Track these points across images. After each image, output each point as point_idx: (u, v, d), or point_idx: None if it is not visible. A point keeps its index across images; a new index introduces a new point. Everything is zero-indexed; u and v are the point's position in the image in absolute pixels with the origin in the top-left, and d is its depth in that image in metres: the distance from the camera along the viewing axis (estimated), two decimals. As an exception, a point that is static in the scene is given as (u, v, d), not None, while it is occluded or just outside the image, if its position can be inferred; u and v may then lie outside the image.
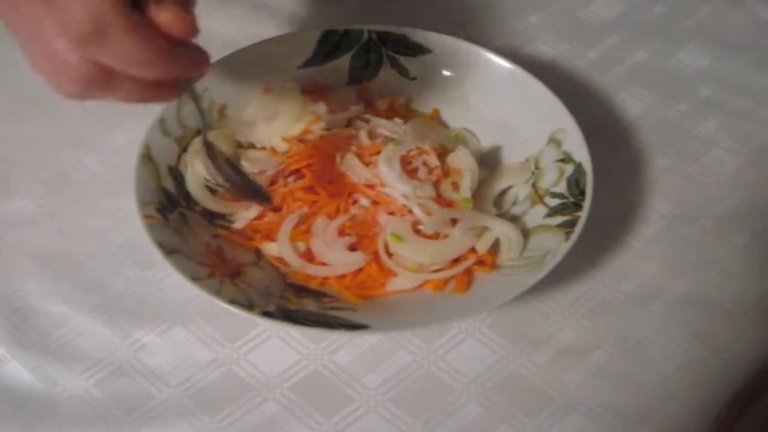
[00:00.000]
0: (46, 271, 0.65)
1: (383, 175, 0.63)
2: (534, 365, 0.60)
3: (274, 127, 0.68)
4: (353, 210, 0.64)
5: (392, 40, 0.71)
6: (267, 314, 0.56)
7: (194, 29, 0.48)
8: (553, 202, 0.63)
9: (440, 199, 0.64)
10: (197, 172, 0.65)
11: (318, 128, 0.67)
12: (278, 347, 0.61)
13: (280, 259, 0.63)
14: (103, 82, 0.48)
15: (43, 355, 0.61)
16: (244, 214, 0.65)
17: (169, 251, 0.58)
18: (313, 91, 0.71)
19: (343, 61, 0.72)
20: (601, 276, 0.64)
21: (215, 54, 0.76)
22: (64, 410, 0.59)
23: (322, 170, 0.65)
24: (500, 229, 0.62)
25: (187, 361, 0.61)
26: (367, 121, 0.69)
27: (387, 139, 0.66)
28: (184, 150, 0.66)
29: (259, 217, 0.65)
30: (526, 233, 0.63)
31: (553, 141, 0.66)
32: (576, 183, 0.63)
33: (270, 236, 0.63)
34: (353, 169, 0.64)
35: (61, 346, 0.61)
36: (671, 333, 0.62)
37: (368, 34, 0.71)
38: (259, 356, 0.61)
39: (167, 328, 0.62)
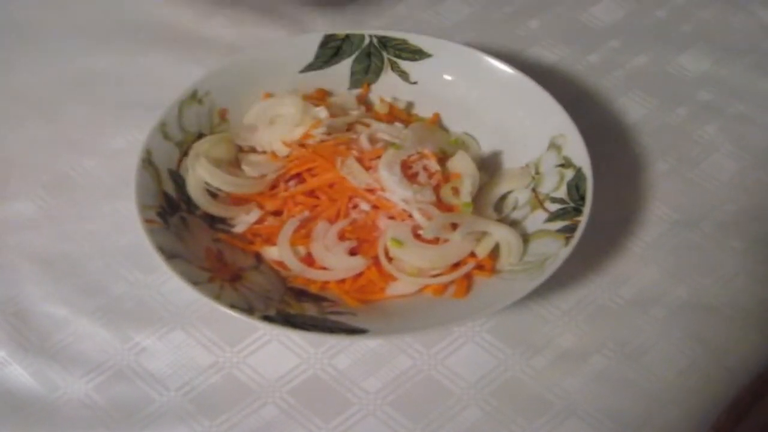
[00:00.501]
0: (46, 274, 0.65)
1: (383, 179, 0.63)
2: (534, 370, 0.60)
3: (275, 131, 0.68)
4: (353, 214, 0.64)
5: (393, 45, 0.71)
6: (267, 318, 0.56)
7: None
8: (553, 206, 0.63)
9: (440, 204, 0.64)
10: (198, 176, 0.65)
11: (319, 132, 0.67)
12: (278, 351, 0.61)
13: (281, 264, 0.63)
14: None
15: (44, 359, 0.61)
16: (245, 219, 0.65)
17: (169, 255, 0.58)
18: (314, 96, 0.71)
19: (344, 66, 0.72)
20: (600, 280, 0.65)
21: (217, 58, 0.77)
22: (64, 414, 0.59)
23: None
24: (500, 234, 0.62)
25: (187, 364, 0.61)
26: (368, 126, 0.69)
27: (387, 144, 0.66)
28: (185, 154, 0.66)
29: (259, 221, 0.65)
30: (526, 238, 0.63)
31: (554, 146, 0.66)
32: (576, 188, 0.63)
33: (270, 240, 0.64)
34: (353, 173, 0.64)
35: (62, 349, 0.61)
36: (671, 338, 0.62)
37: (369, 38, 0.72)
38: (259, 360, 0.61)
39: (167, 332, 0.62)
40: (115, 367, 0.61)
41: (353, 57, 0.72)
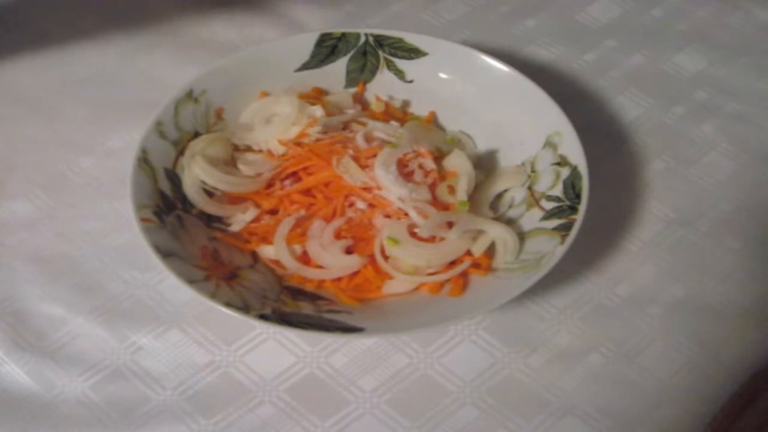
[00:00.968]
0: (43, 274, 0.65)
1: (379, 178, 0.63)
2: (530, 368, 0.60)
3: (271, 130, 0.68)
4: (349, 213, 0.64)
5: (389, 44, 0.71)
6: (263, 317, 0.56)
7: None
8: (549, 205, 0.63)
9: (436, 202, 0.64)
10: (194, 175, 0.65)
11: (314, 131, 0.67)
12: (274, 350, 0.61)
13: (277, 262, 0.63)
14: None
15: (41, 358, 0.61)
16: (241, 217, 0.65)
17: (165, 254, 0.58)
18: (310, 95, 0.71)
19: (340, 65, 0.72)
20: (597, 279, 0.65)
21: (214, 57, 0.77)
22: (61, 413, 0.59)
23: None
24: (496, 232, 0.62)
25: (184, 363, 0.61)
26: (364, 125, 0.69)
27: (383, 142, 0.66)
28: (181, 153, 0.66)
29: (255, 220, 0.65)
30: (522, 236, 0.63)
31: (550, 144, 0.66)
32: (572, 186, 0.63)
33: (266, 239, 0.64)
34: (349, 172, 0.64)
35: (58, 348, 0.61)
36: (667, 336, 0.62)
37: (365, 37, 0.72)
38: (256, 359, 0.61)
39: (164, 331, 0.62)
40: (111, 366, 0.61)
41: (349, 56, 0.72)
